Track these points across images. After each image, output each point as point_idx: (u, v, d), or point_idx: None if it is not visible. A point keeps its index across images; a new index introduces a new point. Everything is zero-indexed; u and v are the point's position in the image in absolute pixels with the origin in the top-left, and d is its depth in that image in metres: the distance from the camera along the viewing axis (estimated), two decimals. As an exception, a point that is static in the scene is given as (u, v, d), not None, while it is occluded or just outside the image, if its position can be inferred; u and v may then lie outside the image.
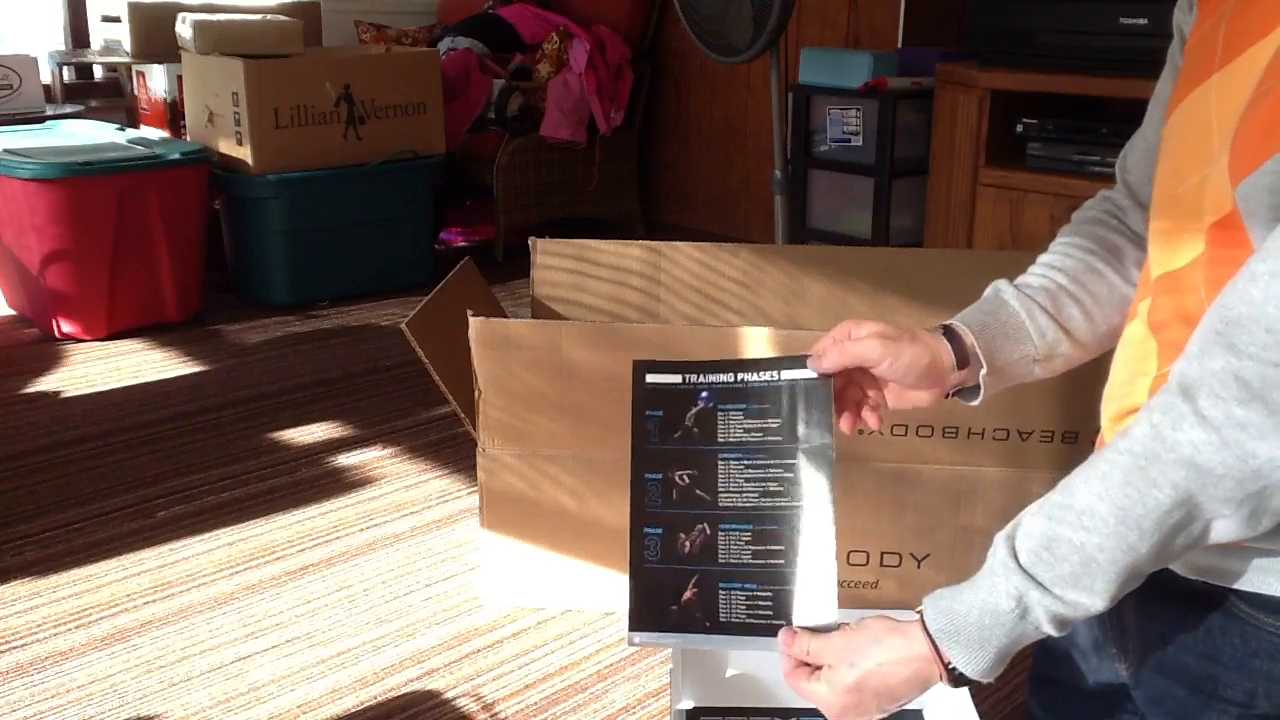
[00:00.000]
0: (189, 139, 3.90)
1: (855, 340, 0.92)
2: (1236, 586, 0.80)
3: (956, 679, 0.80)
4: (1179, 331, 0.80)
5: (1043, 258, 1.00)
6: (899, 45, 3.91)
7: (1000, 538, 0.78)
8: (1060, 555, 0.74)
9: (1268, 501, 0.69)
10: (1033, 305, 0.95)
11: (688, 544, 0.94)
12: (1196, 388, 0.69)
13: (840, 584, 0.90)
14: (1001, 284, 0.98)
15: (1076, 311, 0.96)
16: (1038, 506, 0.77)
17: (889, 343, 0.91)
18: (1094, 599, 0.74)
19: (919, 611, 0.82)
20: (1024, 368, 0.96)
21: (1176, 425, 0.70)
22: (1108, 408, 0.89)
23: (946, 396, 0.96)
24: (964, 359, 0.93)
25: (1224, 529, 0.71)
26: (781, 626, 0.89)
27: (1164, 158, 0.87)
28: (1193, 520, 0.71)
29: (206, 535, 2.31)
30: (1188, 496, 0.70)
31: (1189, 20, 0.90)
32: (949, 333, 0.94)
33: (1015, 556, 0.76)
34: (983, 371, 0.94)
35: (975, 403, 0.96)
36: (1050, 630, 0.76)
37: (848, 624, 0.87)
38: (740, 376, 0.96)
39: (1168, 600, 0.84)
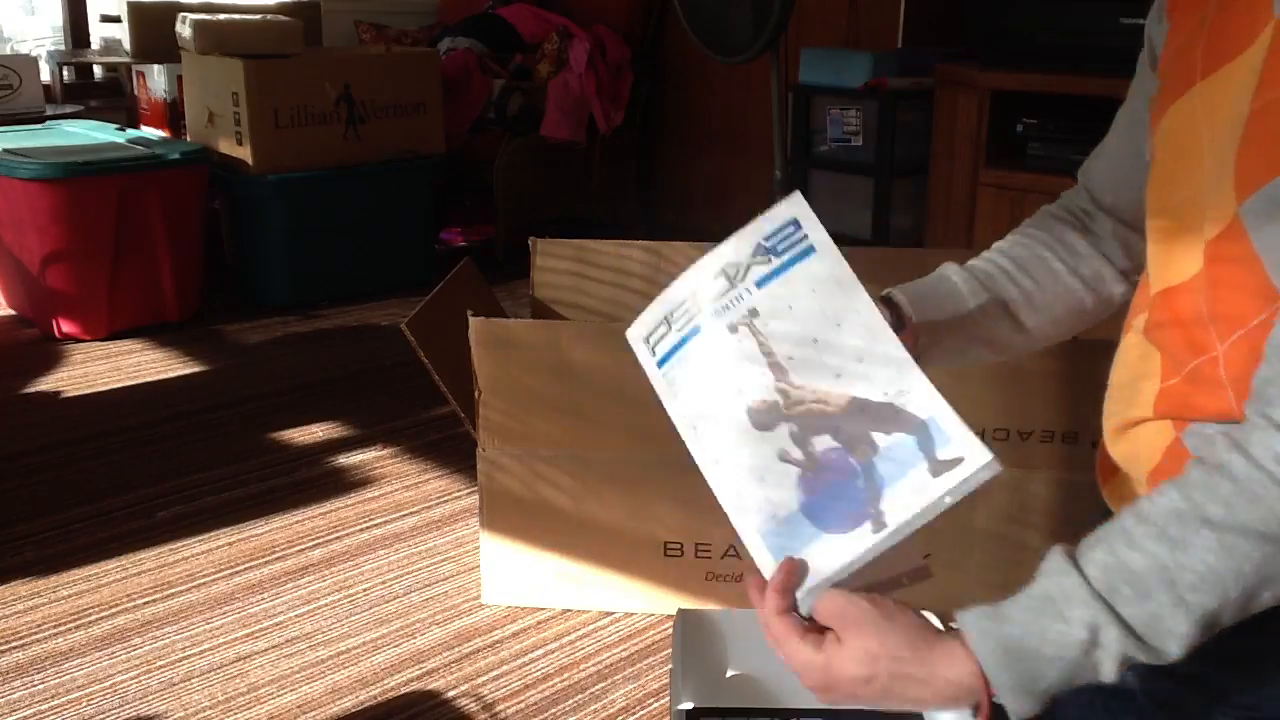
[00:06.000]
0: (189, 139, 3.90)
1: None
2: None
3: (996, 715, 0.73)
4: (1181, 345, 0.81)
5: (995, 244, 1.02)
6: (899, 45, 3.91)
7: (1059, 554, 0.73)
8: (1143, 590, 0.69)
9: None
10: (974, 282, 0.97)
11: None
12: None
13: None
14: (948, 264, 1.00)
15: (1017, 294, 0.97)
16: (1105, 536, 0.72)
17: None
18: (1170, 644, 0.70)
19: (950, 626, 0.75)
20: (963, 340, 0.96)
21: None
22: (1109, 420, 0.89)
23: None
24: (901, 323, 0.93)
25: None
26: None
27: (1155, 166, 0.88)
28: None
29: (206, 535, 2.31)
30: None
31: (1160, 30, 0.90)
32: (886, 300, 0.94)
33: (1089, 584, 0.71)
34: (920, 339, 0.94)
35: None
36: (1107, 676, 0.71)
37: (867, 595, 0.77)
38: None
39: None
